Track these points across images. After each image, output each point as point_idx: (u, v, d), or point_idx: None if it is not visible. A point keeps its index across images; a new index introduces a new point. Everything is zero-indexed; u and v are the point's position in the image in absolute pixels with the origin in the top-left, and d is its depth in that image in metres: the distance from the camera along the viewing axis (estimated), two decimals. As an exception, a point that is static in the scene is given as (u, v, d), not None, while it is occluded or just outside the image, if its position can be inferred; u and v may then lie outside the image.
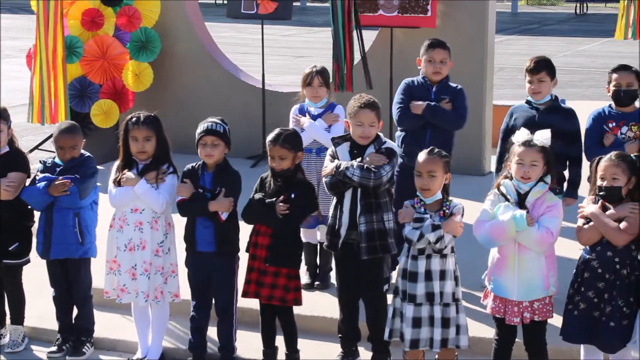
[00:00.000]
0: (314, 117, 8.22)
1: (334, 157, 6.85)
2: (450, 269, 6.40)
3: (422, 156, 6.42)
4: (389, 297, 6.70)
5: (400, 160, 7.37)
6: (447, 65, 8.03)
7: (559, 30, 35.51)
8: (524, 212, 6.15)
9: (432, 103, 7.91)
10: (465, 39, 11.78)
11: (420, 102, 7.89)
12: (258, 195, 6.82)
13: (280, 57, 25.60)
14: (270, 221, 6.77)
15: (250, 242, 6.92)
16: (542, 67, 7.65)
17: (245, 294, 6.91)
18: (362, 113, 6.75)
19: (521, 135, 6.36)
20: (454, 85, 8.10)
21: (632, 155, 6.29)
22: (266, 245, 6.83)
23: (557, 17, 40.13)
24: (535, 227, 6.17)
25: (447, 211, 6.36)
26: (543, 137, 6.31)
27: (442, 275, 6.35)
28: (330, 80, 8.54)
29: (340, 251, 6.83)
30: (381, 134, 6.89)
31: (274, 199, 6.74)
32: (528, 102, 7.75)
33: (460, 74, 11.65)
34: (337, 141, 6.90)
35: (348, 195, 6.77)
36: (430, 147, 6.51)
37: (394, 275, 6.97)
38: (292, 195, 6.75)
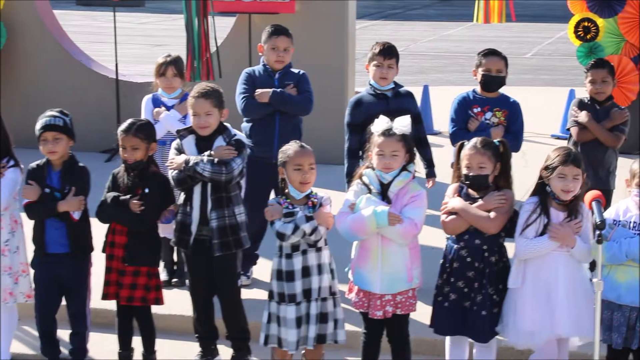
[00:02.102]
0: (168, 108, 8.14)
1: (180, 150, 6.78)
2: (326, 262, 6.39)
3: (292, 149, 6.36)
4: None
5: (249, 151, 7.34)
6: (289, 53, 8.09)
7: (424, 15, 36.05)
8: (386, 208, 6.16)
9: (278, 89, 7.94)
10: (326, 24, 11.85)
11: (265, 90, 7.90)
12: (111, 195, 6.71)
13: (138, 46, 25.26)
14: (126, 220, 6.68)
15: (106, 242, 6.81)
16: (394, 54, 7.73)
17: (105, 297, 6.80)
18: (197, 103, 6.72)
19: (380, 124, 6.35)
20: (296, 71, 8.15)
21: (495, 141, 6.37)
22: (123, 244, 6.74)
23: (421, 2, 40.71)
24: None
25: (315, 200, 6.36)
26: (402, 124, 6.32)
27: (319, 269, 6.34)
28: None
29: (192, 248, 6.78)
30: (229, 125, 6.85)
31: (128, 196, 6.66)
32: (375, 89, 7.78)
33: (321, 61, 11.78)
34: (182, 134, 6.82)
35: (197, 190, 6.71)
36: (300, 143, 6.49)
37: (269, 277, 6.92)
38: (147, 190, 6.68)
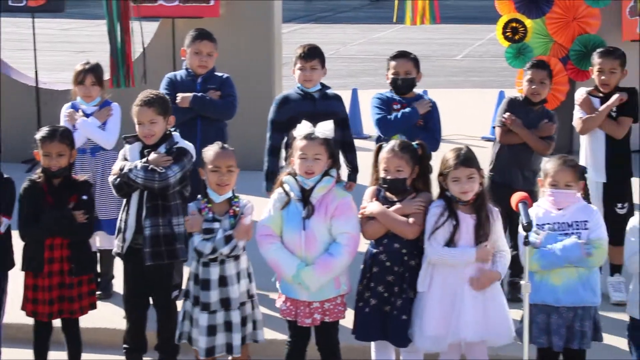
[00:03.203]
0: (87, 116, 8.08)
1: (126, 157, 6.75)
2: (244, 267, 6.42)
3: (211, 150, 6.40)
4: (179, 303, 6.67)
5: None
6: (213, 57, 8.12)
7: (354, 18, 36.15)
8: (311, 271, 6.18)
9: (199, 94, 7.93)
10: (251, 28, 11.86)
11: (186, 95, 7.89)
12: (54, 213, 6.62)
13: (60, 53, 25.01)
14: (71, 232, 6.65)
15: (42, 260, 6.67)
16: (316, 55, 7.76)
17: (50, 316, 6.72)
18: (140, 111, 6.68)
19: (303, 128, 6.37)
20: (220, 74, 8.17)
21: (413, 143, 6.42)
22: (66, 257, 6.68)
23: (351, 4, 40.83)
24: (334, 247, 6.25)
25: (237, 209, 6.37)
26: (325, 128, 6.35)
27: (238, 277, 6.37)
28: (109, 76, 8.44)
29: (126, 256, 6.74)
30: (176, 133, 6.83)
31: (70, 207, 6.62)
32: (302, 90, 7.80)
33: (247, 65, 11.78)
34: (129, 140, 6.79)
35: (135, 197, 6.68)
36: (221, 144, 6.49)
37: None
38: (84, 197, 6.67)
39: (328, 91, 7.84)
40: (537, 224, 6.18)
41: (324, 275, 6.24)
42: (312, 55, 7.73)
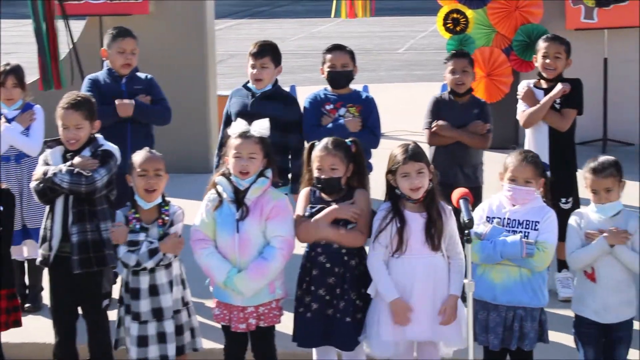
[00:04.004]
0: (9, 120, 7.97)
1: (47, 162, 6.67)
2: (177, 274, 6.40)
3: (139, 155, 6.37)
4: (111, 315, 6.63)
5: None
6: (136, 55, 8.07)
7: (292, 12, 36.19)
8: (244, 276, 6.18)
9: (138, 101, 7.91)
10: (182, 25, 11.86)
11: (125, 102, 7.84)
12: None
13: (-16, 55, 24.72)
14: None
15: None
16: (266, 52, 7.74)
17: None
18: (66, 115, 6.63)
19: (237, 126, 6.35)
20: (142, 75, 8.14)
21: (347, 140, 6.42)
22: None
23: (288, -1, 40.93)
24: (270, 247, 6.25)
25: (166, 218, 6.34)
26: (261, 127, 6.33)
27: (170, 285, 6.35)
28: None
29: (53, 265, 6.67)
30: (99, 136, 6.78)
31: None
32: (247, 87, 7.81)
33: (179, 64, 11.74)
34: (49, 144, 6.72)
35: (59, 203, 6.62)
36: (149, 149, 6.46)
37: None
38: (1, 209, 6.57)
39: (281, 92, 7.79)
40: (488, 216, 6.22)
41: (258, 280, 6.23)
42: (262, 52, 7.69)
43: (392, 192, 6.22)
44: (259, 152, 6.29)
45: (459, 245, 6.21)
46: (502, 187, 6.33)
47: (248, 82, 7.81)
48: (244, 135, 6.29)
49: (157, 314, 6.31)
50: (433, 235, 6.13)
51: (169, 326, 6.33)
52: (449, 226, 6.17)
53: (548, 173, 6.42)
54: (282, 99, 7.78)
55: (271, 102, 7.67)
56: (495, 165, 6.56)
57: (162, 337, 6.32)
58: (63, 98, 6.73)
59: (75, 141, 6.63)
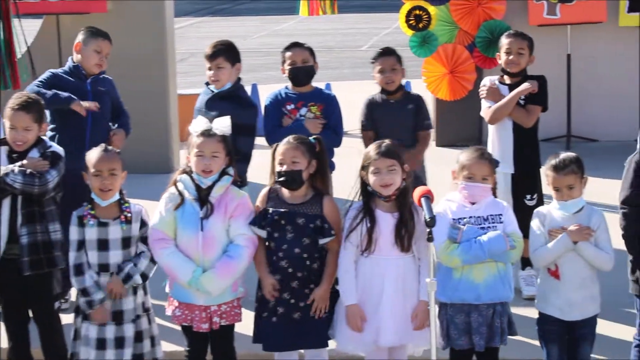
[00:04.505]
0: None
1: None
2: (141, 266, 6.36)
3: (93, 153, 6.36)
4: (64, 318, 6.60)
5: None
6: (107, 60, 8.07)
7: (254, 9, 36.15)
8: (212, 275, 6.19)
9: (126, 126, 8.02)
10: (142, 23, 11.84)
11: (91, 104, 7.82)
12: None
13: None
14: None
15: None
16: (220, 53, 7.74)
17: None
18: (15, 116, 6.61)
19: (198, 124, 6.36)
20: (107, 77, 8.13)
21: (310, 138, 6.43)
22: None
23: (251, -4, 40.91)
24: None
25: (128, 215, 6.33)
26: (222, 125, 6.35)
27: (132, 288, 6.34)
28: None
29: (0, 268, 6.63)
30: (46, 138, 6.77)
31: None
32: (211, 92, 7.80)
33: (138, 63, 11.72)
34: None
35: (6, 204, 6.58)
36: (104, 146, 6.44)
37: (74, 292, 6.85)
38: None
39: (239, 93, 7.78)
40: (454, 219, 6.24)
41: (226, 279, 6.24)
42: (216, 53, 7.67)
43: (364, 189, 6.25)
44: (222, 150, 6.30)
45: (430, 246, 6.22)
46: (456, 185, 6.36)
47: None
48: (207, 134, 6.30)
49: (117, 317, 6.29)
50: (403, 236, 6.15)
51: (129, 330, 6.31)
52: (421, 227, 6.14)
53: (497, 169, 6.48)
54: (238, 100, 7.75)
55: (225, 102, 7.62)
56: (449, 163, 6.53)
57: (120, 342, 6.29)
58: (12, 98, 6.70)
59: (23, 143, 6.62)
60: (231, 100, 7.67)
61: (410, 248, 6.19)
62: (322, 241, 6.24)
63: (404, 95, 8.16)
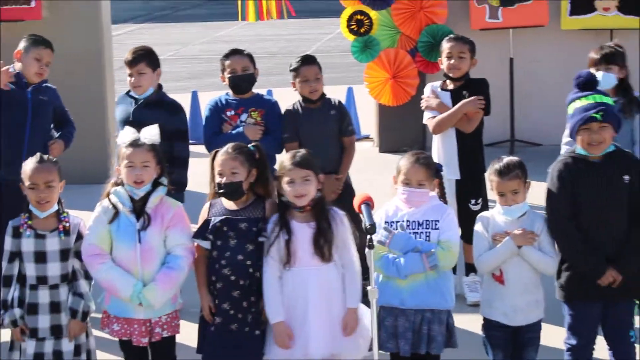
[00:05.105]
0: None
1: None
2: (85, 291, 6.33)
3: (28, 164, 6.30)
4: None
5: None
6: (49, 68, 8.03)
7: (195, 15, 36.01)
8: (154, 287, 6.18)
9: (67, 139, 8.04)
10: (78, 31, 11.80)
11: (59, 144, 7.87)
12: None
13: None
14: None
15: None
16: (141, 58, 7.75)
17: None
18: None
19: (126, 134, 6.34)
20: (47, 85, 8.08)
21: (249, 145, 6.40)
22: None
23: (192, 2, 40.72)
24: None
25: (67, 225, 6.28)
26: (150, 134, 6.32)
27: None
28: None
29: None
30: None
31: None
32: (129, 95, 7.82)
33: (75, 71, 11.64)
34: None
35: None
36: (40, 156, 6.38)
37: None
38: None
39: (164, 99, 7.78)
40: (386, 221, 6.26)
41: (168, 291, 6.23)
42: (137, 59, 7.73)
43: (280, 200, 6.23)
44: (152, 159, 6.27)
45: (353, 253, 6.20)
46: (396, 190, 6.37)
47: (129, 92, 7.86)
48: (135, 144, 6.27)
49: (57, 331, 6.24)
50: (322, 246, 6.11)
51: (67, 345, 6.26)
52: (340, 234, 6.14)
53: (442, 173, 6.50)
54: (167, 106, 7.78)
55: (154, 110, 7.66)
56: (392, 169, 6.55)
57: (58, 356, 6.24)
58: None
59: None
60: (159, 107, 7.70)
61: (332, 257, 6.15)
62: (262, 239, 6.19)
63: (325, 102, 8.13)
